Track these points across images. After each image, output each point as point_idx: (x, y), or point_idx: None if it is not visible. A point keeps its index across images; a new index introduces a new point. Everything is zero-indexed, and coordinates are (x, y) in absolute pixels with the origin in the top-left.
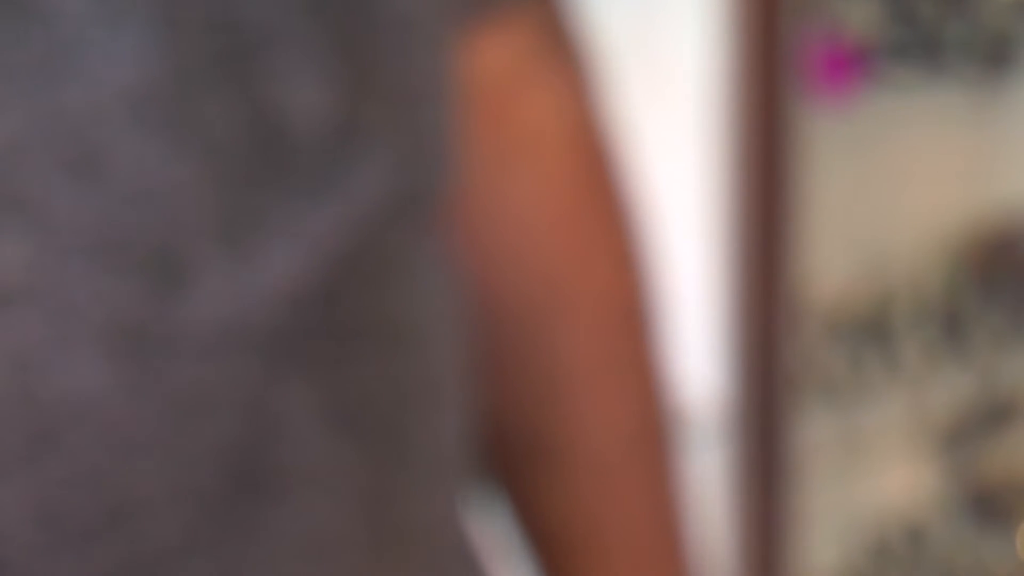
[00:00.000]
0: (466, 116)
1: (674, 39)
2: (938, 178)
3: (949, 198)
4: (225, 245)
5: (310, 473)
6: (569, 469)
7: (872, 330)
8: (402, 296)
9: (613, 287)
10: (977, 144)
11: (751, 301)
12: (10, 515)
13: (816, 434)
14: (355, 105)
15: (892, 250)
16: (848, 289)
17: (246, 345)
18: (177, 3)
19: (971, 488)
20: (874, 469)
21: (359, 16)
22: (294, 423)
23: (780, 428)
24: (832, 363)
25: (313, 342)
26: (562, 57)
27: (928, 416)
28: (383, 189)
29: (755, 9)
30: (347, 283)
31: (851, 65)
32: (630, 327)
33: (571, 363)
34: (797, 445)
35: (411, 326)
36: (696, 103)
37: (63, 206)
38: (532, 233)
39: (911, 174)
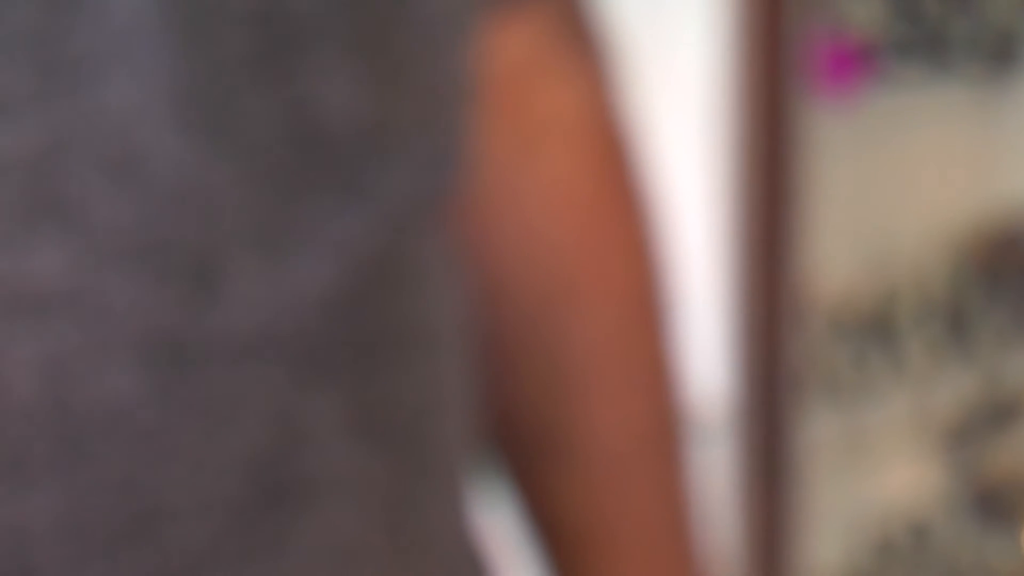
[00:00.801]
0: (485, 112)
1: (679, 37)
2: (943, 176)
3: (954, 196)
4: (260, 250)
5: (335, 482)
6: (580, 462)
7: (876, 328)
8: (419, 299)
9: (627, 280)
10: (982, 142)
11: (755, 299)
12: (39, 522)
13: (820, 432)
14: (386, 103)
15: (896, 248)
16: (852, 287)
17: (274, 353)
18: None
19: (975, 486)
20: (878, 467)
21: (390, 12)
22: (319, 432)
23: (784, 426)
24: (836, 361)
25: (338, 349)
26: (580, 48)
27: (932, 414)
28: (407, 190)
29: (760, 7)
30: (371, 288)
31: (856, 63)
32: (644, 321)
33: (584, 356)
34: (801, 443)
35: (427, 330)
36: (701, 101)
37: (102, 210)
38: (547, 224)
39: (916, 172)
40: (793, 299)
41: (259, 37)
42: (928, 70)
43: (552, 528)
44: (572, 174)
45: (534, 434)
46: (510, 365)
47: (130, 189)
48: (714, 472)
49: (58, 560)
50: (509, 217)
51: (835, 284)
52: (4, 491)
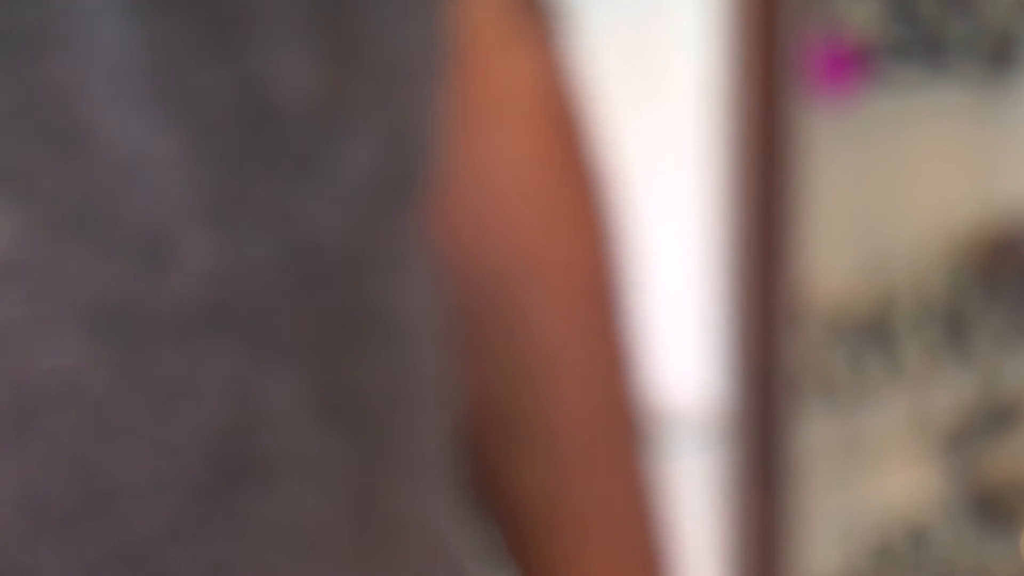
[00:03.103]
0: (454, 89)
1: (674, 38)
2: (940, 178)
3: (951, 198)
4: (210, 225)
5: (296, 464)
6: (541, 444)
7: (873, 331)
8: (389, 284)
9: (581, 259)
10: (980, 143)
11: (751, 302)
12: None
13: (817, 436)
14: (341, 80)
15: (894, 250)
16: (849, 290)
17: (229, 329)
18: None
19: (973, 490)
20: (876, 471)
21: None
22: (280, 412)
23: (780, 430)
24: (833, 364)
25: (299, 328)
26: (532, 23)
27: (930, 418)
28: (368, 170)
29: (755, 8)
30: (332, 269)
31: (852, 64)
32: (597, 301)
33: (538, 336)
34: (798, 447)
35: (395, 316)
36: (696, 102)
37: (48, 181)
38: (501, 200)
39: (913, 174)
40: (790, 302)
41: (209, 11)
42: (925, 71)
43: (513, 513)
44: (525, 149)
45: (495, 416)
46: (471, 347)
47: (75, 161)
48: (710, 476)
49: (11, 536)
50: (463, 191)
51: (832, 287)
52: None
